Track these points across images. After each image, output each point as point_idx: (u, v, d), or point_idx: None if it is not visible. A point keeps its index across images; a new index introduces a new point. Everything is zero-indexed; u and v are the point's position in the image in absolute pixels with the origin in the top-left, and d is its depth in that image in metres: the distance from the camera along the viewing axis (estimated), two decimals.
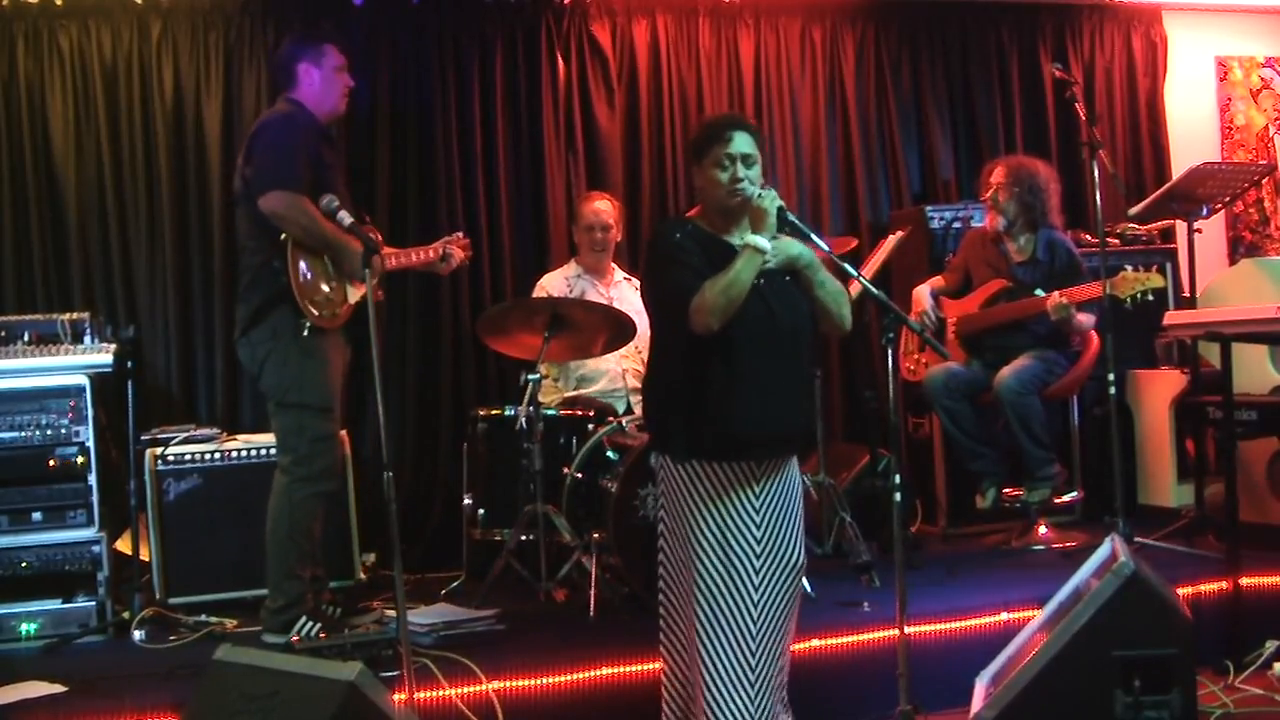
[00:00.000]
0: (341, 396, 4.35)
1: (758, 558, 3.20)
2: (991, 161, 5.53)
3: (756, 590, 3.19)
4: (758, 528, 3.22)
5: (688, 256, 3.22)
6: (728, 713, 3.13)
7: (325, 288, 4.10)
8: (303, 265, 4.04)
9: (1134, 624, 3.26)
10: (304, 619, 4.00)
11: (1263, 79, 7.24)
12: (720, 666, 3.15)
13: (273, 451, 4.33)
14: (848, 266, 3.39)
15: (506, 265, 5.89)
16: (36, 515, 4.46)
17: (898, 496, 3.37)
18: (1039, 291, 5.15)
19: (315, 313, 4.04)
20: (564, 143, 6.02)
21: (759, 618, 3.19)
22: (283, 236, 4.01)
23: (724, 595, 3.16)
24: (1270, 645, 4.22)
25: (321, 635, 3.87)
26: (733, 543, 3.18)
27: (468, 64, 5.89)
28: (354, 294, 4.16)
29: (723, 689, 3.14)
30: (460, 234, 4.65)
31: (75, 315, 4.72)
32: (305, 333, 4.03)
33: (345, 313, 4.16)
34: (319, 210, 3.86)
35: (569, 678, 3.78)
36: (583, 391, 5.19)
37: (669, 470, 3.27)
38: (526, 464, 4.61)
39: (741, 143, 3.25)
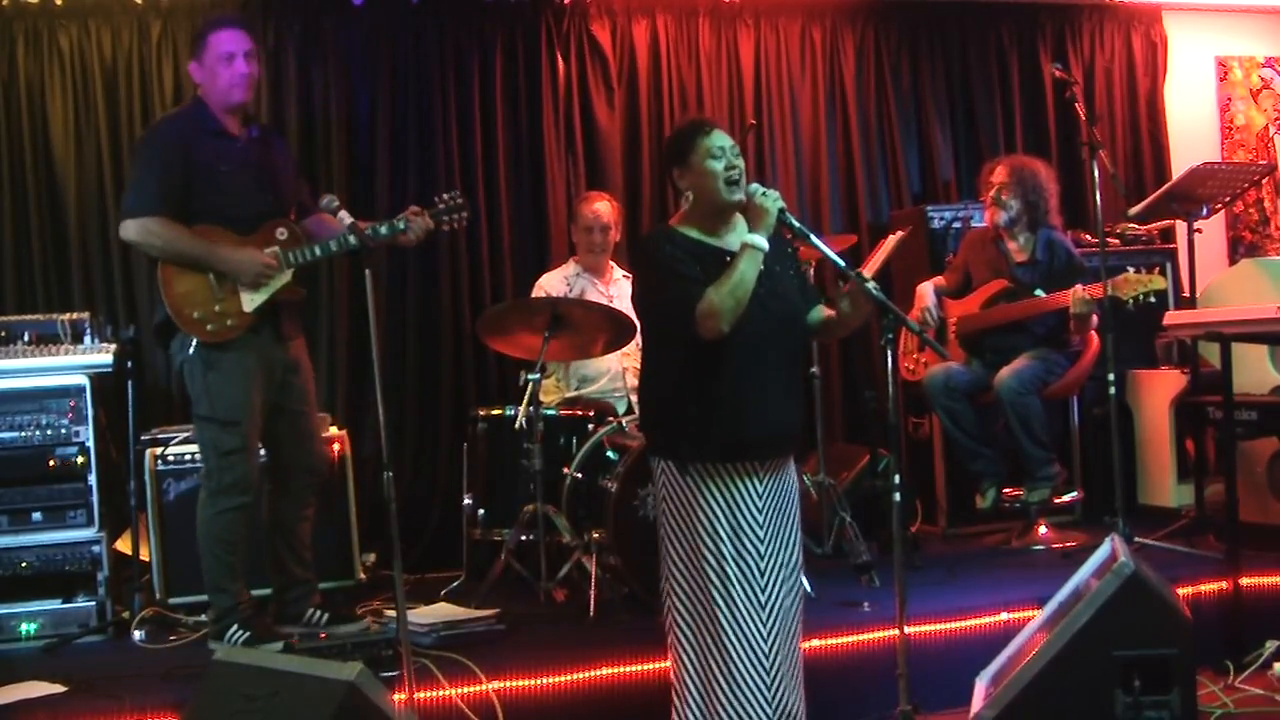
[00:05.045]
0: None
1: (763, 558, 3.22)
2: (991, 161, 5.53)
3: (764, 590, 3.20)
4: (761, 527, 3.23)
5: (683, 266, 3.21)
6: (747, 710, 3.14)
7: (208, 303, 3.96)
8: (177, 286, 3.95)
9: (1134, 624, 3.26)
10: (234, 628, 4.01)
11: (1263, 79, 7.24)
12: (736, 664, 3.15)
13: None
14: (845, 265, 3.39)
15: (506, 265, 5.89)
16: (36, 515, 4.46)
17: (898, 496, 3.37)
18: (1039, 292, 5.15)
19: (201, 330, 3.96)
20: (564, 143, 6.02)
21: (769, 617, 3.20)
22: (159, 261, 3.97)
23: (735, 593, 3.17)
24: (1270, 645, 4.22)
25: (308, 641, 3.84)
26: (741, 541, 3.19)
27: (468, 64, 5.89)
28: (251, 301, 4.00)
29: (739, 686, 3.15)
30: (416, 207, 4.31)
31: (75, 315, 4.72)
32: (192, 350, 3.97)
33: (245, 322, 3.99)
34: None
35: (569, 678, 3.78)
36: (583, 391, 5.20)
37: (672, 475, 3.26)
38: (526, 464, 4.61)
39: (723, 136, 3.27)
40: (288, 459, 4.22)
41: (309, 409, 4.25)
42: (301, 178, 4.50)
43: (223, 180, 4.02)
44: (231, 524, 4.03)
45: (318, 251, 4.07)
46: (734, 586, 3.17)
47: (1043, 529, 5.29)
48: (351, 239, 3.89)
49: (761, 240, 3.17)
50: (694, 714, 3.25)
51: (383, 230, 4.08)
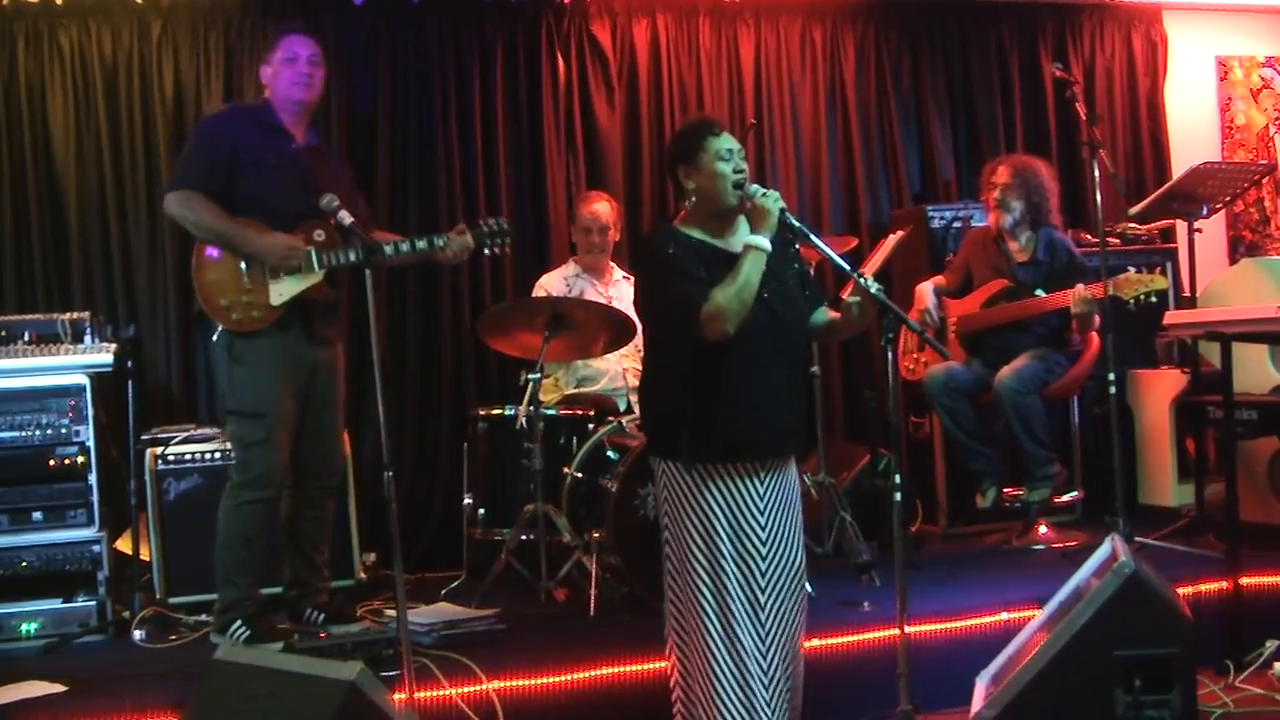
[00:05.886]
0: (345, 397, 4.34)
1: (764, 559, 3.21)
2: (993, 161, 5.50)
3: (764, 591, 3.20)
4: (763, 529, 3.23)
5: (687, 266, 3.21)
6: (738, 713, 3.13)
7: (236, 292, 4.03)
8: (208, 274, 4.04)
9: (1134, 624, 3.26)
10: (238, 623, 4.04)
11: (1263, 79, 7.24)
12: (728, 667, 3.15)
13: None
14: (848, 266, 3.39)
15: (506, 265, 5.88)
16: (37, 515, 4.46)
17: (898, 496, 3.37)
18: (1040, 291, 5.15)
19: (227, 318, 4.03)
20: (564, 143, 6.02)
21: (766, 619, 3.20)
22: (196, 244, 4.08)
23: (729, 598, 3.16)
24: (1270, 645, 4.22)
25: (309, 640, 3.84)
26: (742, 543, 3.19)
27: (468, 64, 5.89)
28: (278, 295, 4.06)
29: (731, 689, 3.14)
30: (462, 225, 4.41)
31: (75, 315, 4.72)
32: (216, 337, 4.07)
33: (271, 316, 4.05)
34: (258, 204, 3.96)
35: (569, 678, 3.78)
36: (583, 391, 5.19)
37: (673, 475, 3.25)
38: (526, 464, 4.61)
39: (730, 138, 3.28)
40: (302, 460, 4.24)
41: (330, 414, 4.27)
42: (362, 202, 4.52)
43: (269, 172, 4.09)
44: (250, 518, 4.06)
45: (352, 257, 4.10)
46: (728, 591, 3.16)
47: (1043, 529, 5.29)
48: (387, 248, 4.00)
49: (764, 241, 3.17)
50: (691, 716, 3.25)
51: (420, 244, 4.15)
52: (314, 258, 4.07)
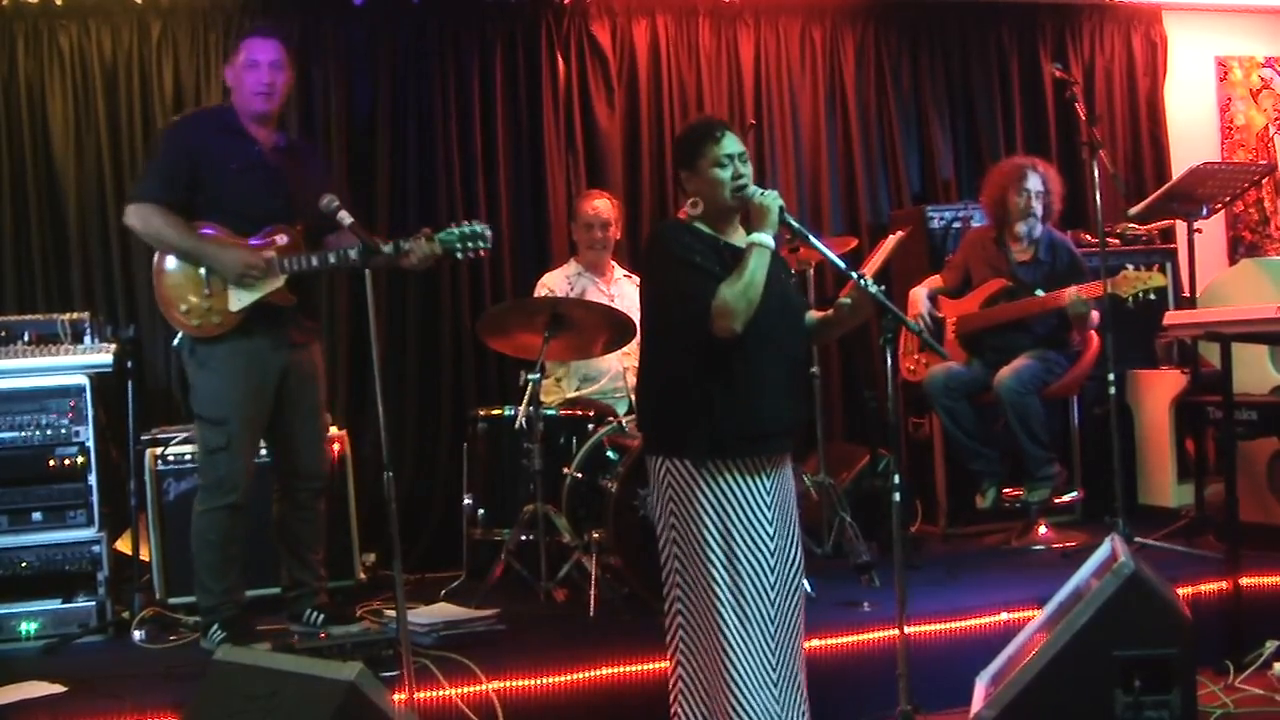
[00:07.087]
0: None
1: (772, 555, 3.21)
2: (1011, 162, 5.40)
3: (772, 588, 3.20)
4: (770, 524, 3.22)
5: (700, 259, 3.21)
6: (754, 711, 3.14)
7: (196, 298, 4.01)
8: (169, 278, 4.04)
9: (1134, 624, 3.26)
10: (214, 627, 4.05)
11: (1263, 79, 7.24)
12: (742, 664, 3.14)
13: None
14: (845, 266, 3.40)
15: (506, 265, 5.89)
16: (36, 515, 4.46)
17: (897, 496, 3.37)
18: (1040, 291, 5.15)
19: (187, 324, 4.03)
20: (564, 143, 6.02)
21: (775, 616, 3.20)
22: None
23: (744, 593, 3.16)
24: (1270, 645, 4.22)
25: (308, 641, 3.85)
26: (751, 539, 3.18)
27: (468, 64, 5.90)
28: (237, 300, 4.02)
29: (746, 687, 3.14)
30: (427, 229, 4.21)
31: (75, 315, 4.72)
32: (178, 341, 4.08)
33: (231, 321, 4.02)
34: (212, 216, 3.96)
35: (569, 678, 3.78)
36: (584, 391, 5.20)
37: (679, 474, 3.23)
38: (526, 464, 4.61)
39: (733, 142, 3.27)
40: (283, 462, 4.24)
41: (308, 416, 4.24)
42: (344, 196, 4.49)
43: (231, 178, 4.05)
44: (214, 522, 4.05)
45: (314, 262, 4.06)
46: (743, 586, 3.16)
47: (1043, 529, 5.29)
48: (352, 254, 3.93)
49: (768, 239, 3.18)
50: (699, 717, 3.24)
51: (385, 249, 4.04)
52: (276, 263, 4.03)
